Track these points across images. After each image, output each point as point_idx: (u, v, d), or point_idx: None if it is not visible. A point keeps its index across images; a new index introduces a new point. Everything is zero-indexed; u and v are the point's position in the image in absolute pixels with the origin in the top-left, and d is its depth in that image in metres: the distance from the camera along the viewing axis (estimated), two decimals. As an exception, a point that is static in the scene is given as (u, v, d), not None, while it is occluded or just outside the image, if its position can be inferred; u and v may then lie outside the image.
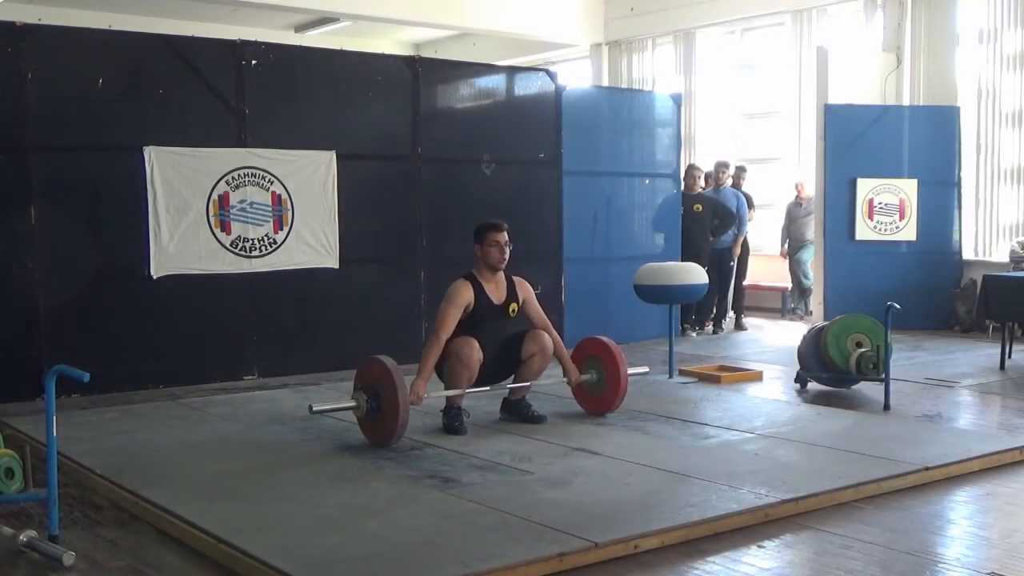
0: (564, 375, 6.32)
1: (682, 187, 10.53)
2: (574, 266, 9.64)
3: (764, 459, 5.20)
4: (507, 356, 6.10)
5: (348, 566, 3.71)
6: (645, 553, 3.94)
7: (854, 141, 10.74)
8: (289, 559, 3.70)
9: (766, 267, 12.48)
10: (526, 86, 9.64)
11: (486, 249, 5.99)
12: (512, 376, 6.16)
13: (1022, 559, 3.88)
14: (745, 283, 11.46)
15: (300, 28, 14.87)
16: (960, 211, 10.87)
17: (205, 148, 7.70)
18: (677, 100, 10.63)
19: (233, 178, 7.80)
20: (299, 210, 8.08)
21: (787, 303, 12.41)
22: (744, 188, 11.54)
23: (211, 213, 7.70)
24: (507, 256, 6.03)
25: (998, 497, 4.78)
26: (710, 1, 12.94)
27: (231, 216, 7.79)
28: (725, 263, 10.95)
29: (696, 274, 7.96)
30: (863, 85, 11.06)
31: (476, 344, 5.80)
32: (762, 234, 12.61)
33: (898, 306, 6.66)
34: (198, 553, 3.99)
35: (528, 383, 6.18)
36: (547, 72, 9.73)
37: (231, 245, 7.80)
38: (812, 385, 7.41)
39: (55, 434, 3.97)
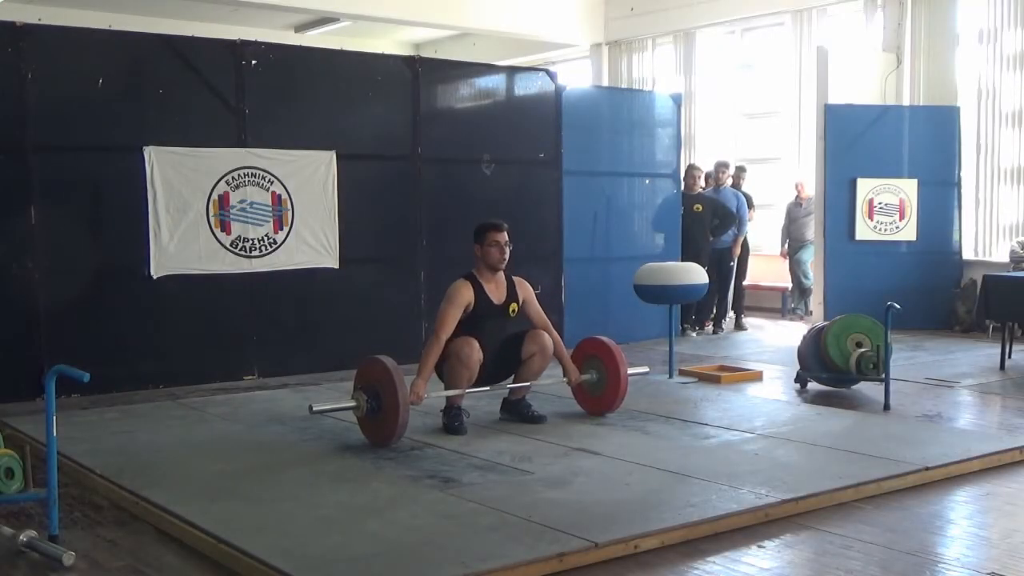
0: (564, 375, 6.32)
1: (682, 187, 10.53)
2: (574, 266, 9.64)
3: (764, 459, 5.20)
4: (507, 356, 6.10)
5: (348, 566, 3.71)
6: (645, 553, 3.94)
7: (854, 141, 10.74)
8: (289, 559, 3.70)
9: (766, 267, 12.48)
10: (526, 86, 9.64)
11: (486, 249, 5.99)
12: (512, 376, 6.16)
13: (1022, 559, 3.88)
14: (745, 283, 11.46)
15: (300, 28, 14.88)
16: (960, 211, 10.87)
17: (205, 148, 7.70)
18: (677, 100, 10.63)
19: (233, 178, 7.80)
20: (299, 210, 8.08)
21: (787, 303, 12.42)
22: (744, 188, 11.54)
23: (211, 213, 7.70)
24: (507, 256, 6.03)
25: (998, 497, 4.78)
26: (710, 1, 12.94)
27: (231, 216, 7.79)
28: (725, 263, 10.95)
29: (696, 274, 7.96)
30: (863, 85, 11.07)
31: (476, 344, 5.80)
32: (762, 234, 12.60)
33: (898, 306, 6.66)
34: (198, 553, 3.99)
35: (528, 383, 6.18)
36: (547, 72, 9.73)
37: (231, 245, 7.80)
38: (812, 385, 7.41)
39: (55, 434, 3.97)
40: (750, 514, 4.31)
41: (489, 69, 9.90)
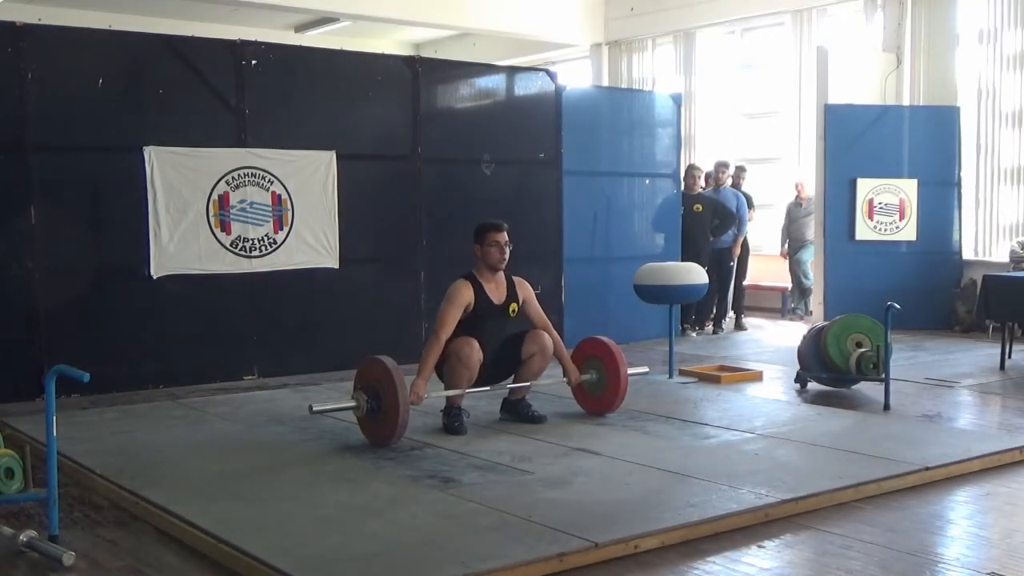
0: (564, 375, 6.32)
1: (682, 187, 10.53)
2: (574, 266, 9.64)
3: (764, 459, 5.20)
4: (507, 356, 6.10)
5: (348, 566, 3.71)
6: (645, 553, 3.94)
7: (854, 141, 10.74)
8: (289, 559, 3.70)
9: (766, 267, 12.48)
10: (526, 86, 9.64)
11: (486, 249, 5.99)
12: (512, 376, 6.16)
13: (1022, 559, 3.88)
14: (745, 283, 11.46)
15: (300, 28, 14.88)
16: (960, 211, 10.87)
17: (205, 148, 7.70)
18: (677, 100, 10.63)
19: (233, 178, 7.80)
20: (299, 210, 8.08)
21: (787, 303, 12.42)
22: (744, 188, 11.54)
23: (211, 213, 7.70)
24: (507, 256, 6.03)
25: (998, 497, 4.78)
26: (710, 1, 12.94)
27: (231, 216, 7.79)
28: (725, 263, 10.95)
29: (696, 274, 7.97)
30: (863, 85, 11.07)
31: (476, 344, 5.80)
32: (762, 234, 12.61)
33: (898, 306, 6.66)
34: (198, 553, 3.99)
35: (528, 383, 6.18)
36: (547, 72, 9.73)
37: (231, 245, 7.80)
38: (812, 385, 7.41)
39: (55, 434, 3.97)
40: (750, 514, 4.31)
41: (489, 69, 9.90)
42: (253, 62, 7.94)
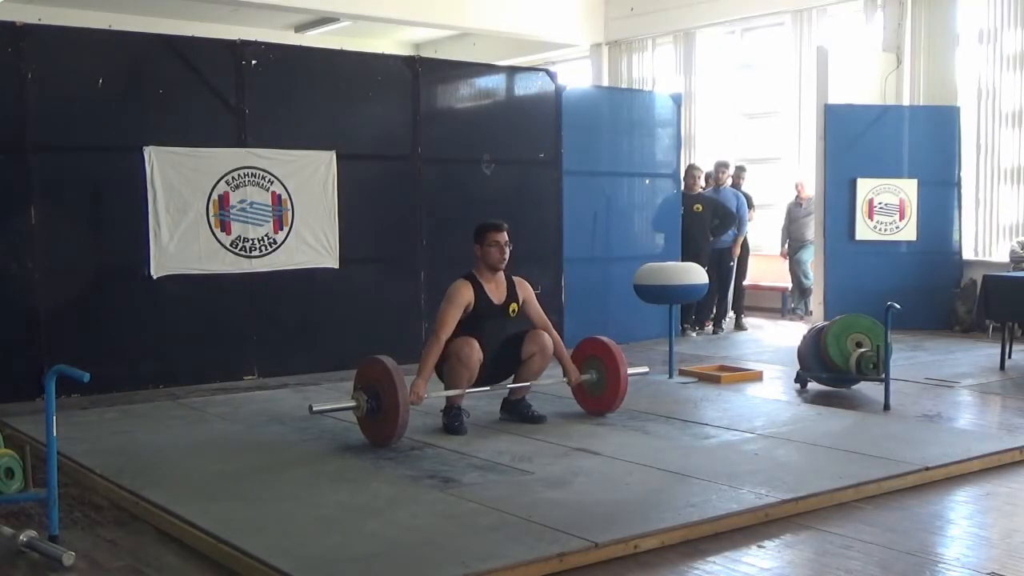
0: (564, 375, 6.32)
1: (682, 187, 10.53)
2: (574, 266, 9.64)
3: (764, 459, 5.20)
4: (507, 356, 6.10)
5: (348, 566, 3.71)
6: (645, 553, 3.94)
7: (854, 141, 10.74)
8: (289, 559, 3.70)
9: (766, 267, 12.48)
10: (526, 86, 9.64)
11: (486, 249, 5.99)
12: (512, 376, 6.16)
13: (1022, 559, 3.88)
14: (745, 283, 11.46)
15: (300, 28, 14.88)
16: (960, 211, 10.87)
17: (205, 148, 7.70)
18: (677, 100, 10.63)
19: (233, 178, 7.80)
20: (299, 210, 8.08)
21: (787, 303, 12.42)
22: (744, 188, 11.54)
23: (211, 213, 7.70)
24: (507, 256, 6.03)
25: (998, 497, 4.78)
26: (710, 1, 12.94)
27: (231, 216, 7.79)
28: (725, 263, 10.95)
29: (696, 274, 7.97)
30: (863, 85, 11.07)
31: (476, 344, 5.80)
32: (762, 234, 12.60)
33: (898, 306, 6.66)
34: (198, 553, 3.99)
35: (528, 383, 6.18)
36: (547, 72, 9.73)
37: (231, 245, 7.80)
38: (812, 385, 7.41)
39: (55, 434, 3.97)
40: (750, 514, 4.31)
41: (489, 69, 9.90)
42: (253, 62, 7.94)
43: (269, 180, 7.94)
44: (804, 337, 7.56)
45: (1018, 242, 10.06)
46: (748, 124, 13.56)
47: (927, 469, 4.97)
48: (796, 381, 7.52)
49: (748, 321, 11.38)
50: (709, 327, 10.87)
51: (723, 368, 8.16)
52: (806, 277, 11.83)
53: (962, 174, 10.86)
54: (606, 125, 10.02)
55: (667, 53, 14.03)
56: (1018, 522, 4.42)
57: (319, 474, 5.00)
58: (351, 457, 5.33)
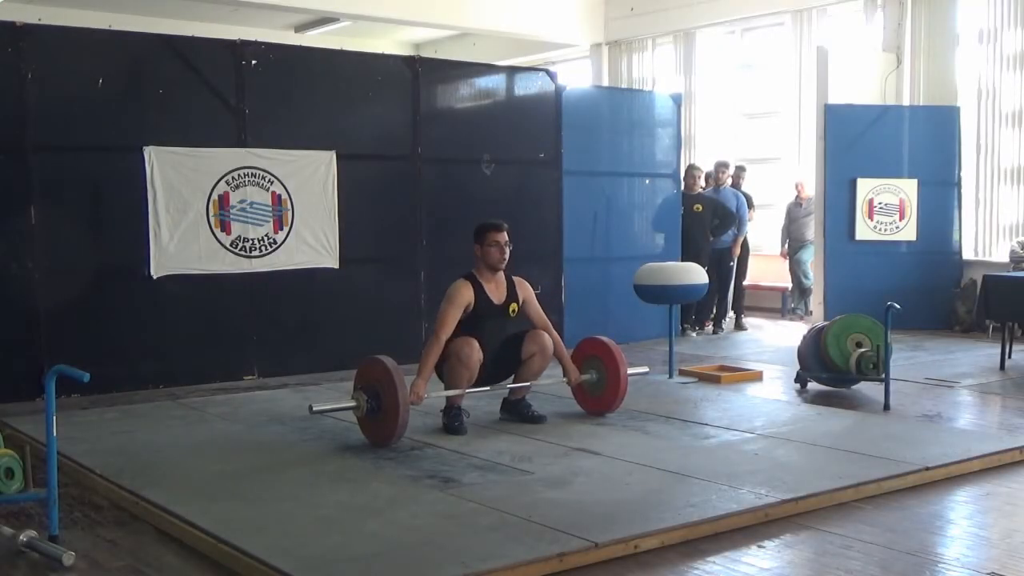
0: (564, 375, 6.32)
1: (682, 187, 10.53)
2: (574, 266, 9.64)
3: (764, 459, 5.20)
4: (507, 356, 6.10)
5: (348, 566, 3.71)
6: (645, 553, 3.94)
7: (854, 141, 10.74)
8: (289, 559, 3.70)
9: (766, 267, 12.48)
10: (526, 86, 9.64)
11: (486, 249, 5.99)
12: (512, 376, 6.16)
13: (1022, 559, 3.88)
14: (745, 283, 11.46)
15: (300, 28, 14.88)
16: (960, 211, 10.87)
17: (205, 148, 7.70)
18: (677, 100, 10.63)
19: (233, 178, 7.80)
20: (299, 210, 8.08)
21: (787, 303, 12.42)
22: (744, 188, 11.54)
23: (211, 213, 7.70)
24: (507, 256, 6.03)
25: (998, 497, 4.78)
26: (710, 1, 12.94)
27: (231, 216, 7.79)
28: (725, 263, 10.95)
29: (696, 274, 7.97)
30: (863, 85, 11.07)
31: (476, 344, 5.80)
32: (762, 234, 12.60)
33: (898, 306, 6.66)
34: (198, 553, 3.99)
35: (528, 383, 6.18)
36: (547, 72, 9.73)
37: (231, 245, 7.80)
38: (812, 385, 7.41)
39: (55, 434, 3.97)
40: (750, 514, 4.31)
41: (489, 69, 9.90)
42: (253, 62, 7.94)
43: (269, 180, 7.94)
44: (804, 337, 7.56)
45: (1018, 242, 10.06)
46: (748, 124, 13.55)
47: (927, 469, 4.97)
48: (796, 381, 7.52)
49: (748, 321, 11.38)
50: (709, 327, 10.87)
51: (723, 368, 8.16)
52: (806, 277, 11.83)
53: (962, 174, 10.86)
54: (606, 125, 10.02)
55: (667, 53, 14.02)
56: (1018, 522, 4.42)
57: (319, 474, 5.00)
58: (351, 457, 5.33)
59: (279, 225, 8.00)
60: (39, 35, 7.19)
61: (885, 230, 10.81)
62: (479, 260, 6.04)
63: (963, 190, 10.87)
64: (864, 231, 10.79)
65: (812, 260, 11.46)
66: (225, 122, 7.84)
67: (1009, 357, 8.33)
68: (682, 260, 9.78)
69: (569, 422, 6.15)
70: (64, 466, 4.95)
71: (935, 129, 10.84)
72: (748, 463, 5.10)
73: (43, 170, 7.12)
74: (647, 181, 10.33)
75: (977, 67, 10.71)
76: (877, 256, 10.79)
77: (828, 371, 7.16)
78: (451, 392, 5.89)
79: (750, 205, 11.34)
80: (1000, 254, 10.46)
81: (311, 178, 8.14)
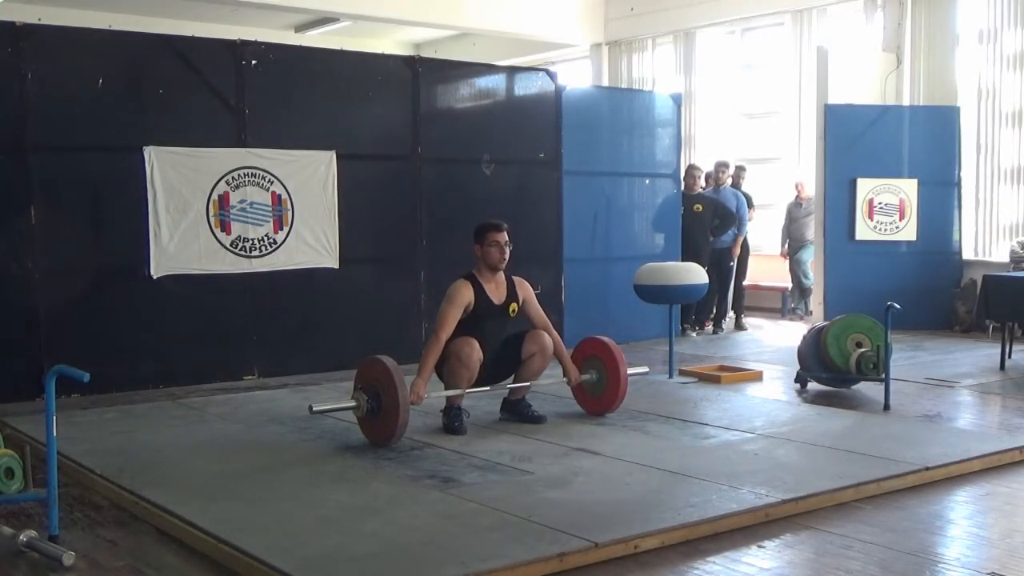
0: (564, 375, 6.31)
1: (682, 187, 10.53)
2: (574, 266, 9.64)
3: (764, 459, 5.20)
4: (507, 356, 6.10)
5: (348, 566, 3.70)
6: (645, 553, 3.94)
7: (854, 141, 10.74)
8: (289, 559, 3.70)
9: (766, 267, 12.47)
10: (526, 86, 9.64)
11: (486, 249, 5.99)
12: (512, 376, 6.16)
13: (1022, 559, 3.88)
14: (745, 283, 11.46)
15: (300, 28, 14.88)
16: (960, 211, 10.87)
17: (205, 148, 7.70)
18: (677, 100, 10.63)
19: (233, 178, 7.80)
20: (299, 210, 8.08)
21: (787, 303, 12.42)
22: (744, 188, 11.54)
23: (211, 213, 7.70)
24: (507, 256, 6.03)
25: (998, 497, 4.78)
26: (710, 1, 12.94)
27: (231, 216, 7.79)
28: (725, 263, 10.95)
29: (696, 274, 7.97)
30: (863, 85, 11.07)
31: (476, 344, 5.80)
32: (762, 234, 12.60)
33: (898, 306, 6.66)
34: (198, 553, 3.99)
35: (528, 383, 6.18)
36: (547, 72, 9.73)
37: (231, 245, 7.80)
38: (812, 385, 7.41)
39: (55, 434, 3.97)
40: (750, 514, 4.31)
41: (489, 69, 9.90)
42: (253, 62, 7.94)
43: (269, 180, 7.94)
44: (804, 337, 7.56)
45: (1018, 242, 10.07)
46: (748, 124, 13.55)
47: (927, 469, 4.97)
48: (796, 381, 7.52)
49: (748, 321, 11.38)
50: (709, 327, 10.87)
51: (723, 368, 8.16)
52: (806, 277, 11.83)
53: (962, 174, 10.86)
54: (606, 125, 10.02)
55: (667, 53, 14.02)
56: (1018, 522, 4.42)
57: (319, 474, 5.00)
58: (351, 457, 5.33)
59: (279, 225, 8.00)
60: (39, 35, 7.19)
61: (885, 230, 10.81)
62: (479, 260, 6.04)
63: (963, 190, 10.87)
64: (864, 231, 10.79)
65: (812, 260, 11.46)
66: (225, 122, 7.84)
67: (1009, 357, 8.33)
68: (682, 260, 9.78)
69: (569, 422, 6.15)
70: (64, 466, 4.95)
71: (935, 129, 10.84)
72: (748, 463, 5.10)
73: (43, 170, 7.12)
74: (647, 181, 10.33)
75: (977, 67, 10.71)
76: (877, 256, 10.79)
77: (828, 371, 7.16)
78: (451, 392, 5.89)
79: (750, 205, 11.34)
80: (1000, 254, 10.46)
81: (311, 178, 8.14)
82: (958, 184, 10.86)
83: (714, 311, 10.90)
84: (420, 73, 8.75)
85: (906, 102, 11.18)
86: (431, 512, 4.32)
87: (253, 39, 8.27)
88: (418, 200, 8.76)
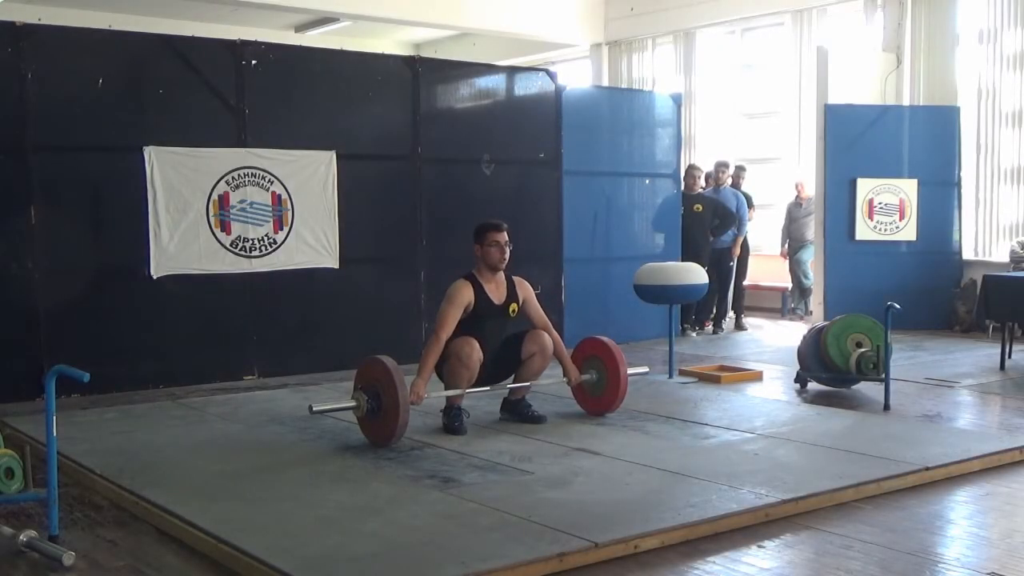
0: (564, 375, 6.31)
1: (682, 187, 10.53)
2: (574, 266, 9.64)
3: (764, 459, 5.20)
4: (507, 356, 6.10)
5: (348, 566, 3.70)
6: (645, 553, 3.94)
7: (854, 141, 10.74)
8: (289, 559, 3.70)
9: (766, 267, 12.47)
10: (526, 86, 9.64)
11: (486, 249, 5.99)
12: (512, 376, 6.16)
13: (1022, 559, 3.88)
14: (745, 283, 11.47)
15: (300, 28, 14.88)
16: (960, 211, 10.87)
17: (205, 148, 7.70)
18: (677, 100, 10.63)
19: (233, 178, 7.80)
20: (299, 210, 8.08)
21: (787, 303, 12.42)
22: (744, 188, 11.54)
23: (211, 213, 7.70)
24: (507, 256, 6.03)
25: (998, 497, 4.78)
26: (710, 1, 12.94)
27: (231, 216, 7.79)
28: (725, 263, 10.95)
29: (696, 274, 7.97)
30: (863, 85, 11.07)
31: (476, 344, 5.80)
32: (762, 234, 12.60)
33: (898, 306, 6.66)
34: (198, 553, 3.99)
35: (528, 383, 6.18)
36: (547, 72, 9.73)
37: (231, 245, 7.80)
38: (812, 385, 7.41)
39: (55, 434, 3.97)
40: (750, 514, 4.31)
41: (489, 69, 9.90)
42: (253, 62, 7.94)
43: (269, 180, 7.94)
44: (804, 337, 7.56)
45: (1018, 242, 10.07)
46: (748, 124, 13.55)
47: (927, 469, 4.97)
48: (796, 381, 7.52)
49: (748, 321, 11.38)
50: (709, 327, 10.87)
51: (723, 368, 8.16)
52: (806, 277, 11.83)
53: (962, 174, 10.86)
54: (606, 125, 10.02)
55: (667, 53, 14.02)
56: (1018, 522, 4.42)
57: (319, 474, 5.00)
58: (351, 457, 5.33)
59: (279, 225, 8.01)
60: (39, 35, 7.19)
61: (885, 230, 10.81)
62: (479, 260, 6.04)
63: (963, 190, 10.87)
64: (864, 231, 10.79)
65: (812, 260, 11.46)
66: (225, 122, 7.84)
67: (1009, 357, 8.33)
68: (682, 260, 9.78)
69: (569, 422, 6.15)
70: (64, 466, 4.95)
71: (935, 129, 10.84)
72: (748, 463, 5.10)
73: (43, 170, 7.12)
74: (647, 181, 10.33)
75: (977, 67, 10.71)
76: (877, 256, 10.79)
77: (828, 371, 7.16)
78: (451, 392, 5.89)
79: (750, 205, 11.34)
80: (1000, 254, 10.46)
81: (311, 178, 8.14)
82: (958, 184, 10.86)
83: (714, 311, 10.90)
84: (420, 73, 8.75)
85: (906, 102, 11.18)
86: (431, 512, 4.32)
87: (253, 39, 8.27)
88: (418, 200, 8.76)
